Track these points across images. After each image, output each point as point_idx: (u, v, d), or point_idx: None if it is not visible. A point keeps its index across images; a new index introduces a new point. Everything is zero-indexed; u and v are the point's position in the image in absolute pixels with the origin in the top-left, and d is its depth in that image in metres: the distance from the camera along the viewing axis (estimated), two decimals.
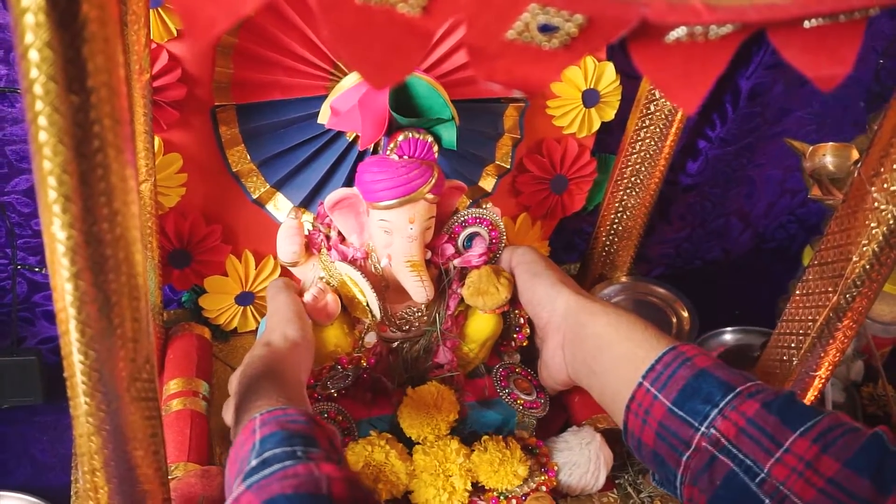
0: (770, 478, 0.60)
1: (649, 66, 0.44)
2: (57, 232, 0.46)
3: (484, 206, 0.91)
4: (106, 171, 0.45)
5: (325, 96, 0.93)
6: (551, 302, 0.84)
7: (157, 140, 0.88)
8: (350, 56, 0.37)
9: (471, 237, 0.91)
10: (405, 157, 0.82)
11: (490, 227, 0.91)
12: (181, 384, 0.91)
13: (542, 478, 0.87)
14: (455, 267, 0.90)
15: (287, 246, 0.88)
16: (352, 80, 0.87)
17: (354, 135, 0.95)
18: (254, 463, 0.58)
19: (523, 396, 0.89)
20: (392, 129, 0.82)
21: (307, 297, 0.84)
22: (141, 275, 0.50)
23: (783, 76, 1.18)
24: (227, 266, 0.99)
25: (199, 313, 1.03)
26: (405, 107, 0.82)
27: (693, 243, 1.41)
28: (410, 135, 0.81)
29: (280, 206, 0.98)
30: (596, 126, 1.06)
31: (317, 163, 0.95)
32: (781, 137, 1.22)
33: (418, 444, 0.86)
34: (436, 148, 0.83)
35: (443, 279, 0.90)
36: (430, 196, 0.82)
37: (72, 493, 0.86)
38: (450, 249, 0.90)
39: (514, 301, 0.90)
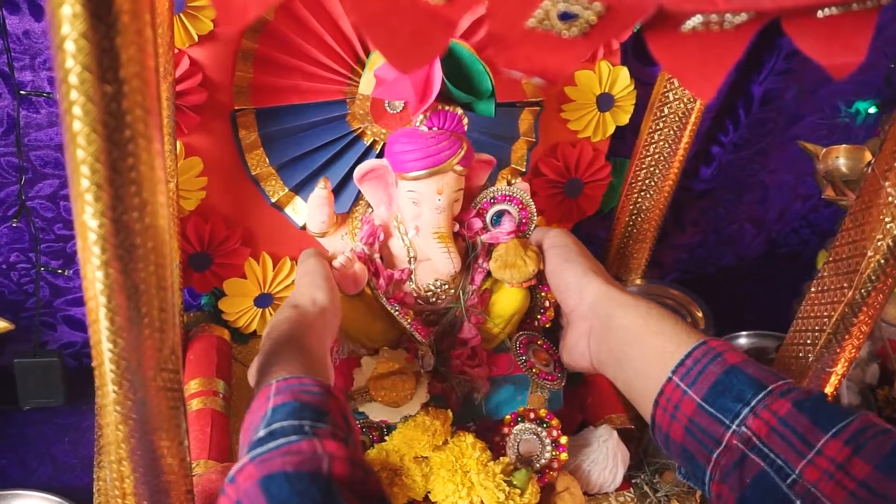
0: (801, 479, 0.60)
1: (665, 55, 0.45)
2: (88, 220, 0.47)
3: (514, 184, 0.90)
4: (136, 161, 0.46)
5: (343, 101, 0.95)
6: (580, 290, 0.82)
7: (178, 144, 0.90)
8: (376, 42, 0.38)
9: (499, 215, 0.91)
10: (435, 128, 0.82)
11: (520, 207, 0.90)
12: (201, 384, 0.92)
13: (554, 453, 0.86)
14: (482, 242, 0.90)
15: (317, 215, 0.88)
16: None
17: (372, 139, 0.96)
18: (261, 433, 0.58)
19: (539, 366, 0.89)
20: (443, 97, 0.81)
21: (336, 263, 0.84)
22: (169, 265, 0.52)
23: (795, 82, 1.19)
24: (245, 269, 1.01)
25: (219, 316, 1.04)
26: (451, 72, 0.81)
27: (707, 249, 1.41)
28: (440, 107, 0.81)
29: (298, 210, 0.99)
30: (610, 130, 1.07)
31: (335, 166, 0.97)
32: (794, 142, 1.23)
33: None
34: (465, 121, 0.83)
35: (469, 253, 0.90)
36: (458, 168, 0.82)
37: (94, 490, 0.87)
38: (478, 224, 0.90)
39: (540, 282, 0.89)
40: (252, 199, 0.98)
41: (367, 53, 0.93)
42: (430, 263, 0.88)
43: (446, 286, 0.90)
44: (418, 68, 0.40)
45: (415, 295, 0.90)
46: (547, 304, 0.92)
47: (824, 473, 0.59)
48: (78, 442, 1.07)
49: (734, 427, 0.64)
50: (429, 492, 0.85)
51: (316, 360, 0.72)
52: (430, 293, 0.90)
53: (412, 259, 0.88)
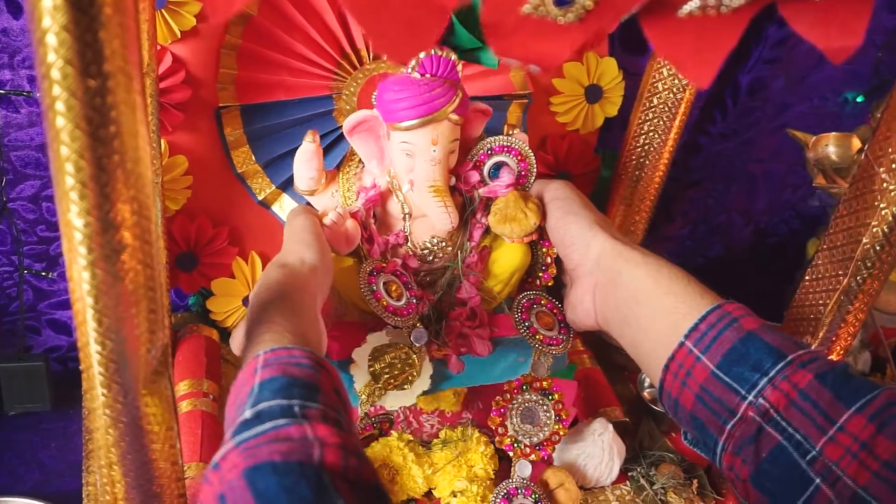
0: (822, 457, 0.57)
1: (662, 41, 0.45)
2: (73, 219, 0.45)
3: (512, 134, 0.86)
4: (123, 158, 0.45)
5: (330, 96, 0.93)
6: (585, 244, 0.78)
7: (162, 142, 0.89)
8: (370, 31, 0.37)
9: (497, 167, 0.86)
10: (427, 75, 0.77)
11: (519, 158, 0.86)
12: (190, 385, 0.91)
13: (557, 426, 0.85)
14: (480, 196, 0.86)
15: (304, 171, 0.83)
16: None
17: None
18: (248, 414, 0.54)
19: (543, 332, 0.84)
20: (446, 41, 0.77)
21: (326, 220, 0.81)
22: (157, 265, 0.51)
23: (783, 70, 1.19)
24: (234, 268, 0.99)
25: (206, 316, 1.03)
26: (459, 13, 0.77)
27: (695, 240, 1.41)
28: (433, 51, 0.76)
29: (285, 208, 0.97)
30: (599, 122, 1.06)
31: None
32: (782, 132, 1.23)
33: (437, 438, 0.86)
34: (459, 66, 0.79)
35: (467, 207, 0.86)
36: (454, 116, 0.78)
37: (84, 496, 0.86)
38: (475, 177, 0.85)
39: (541, 237, 0.86)
40: (238, 197, 0.96)
41: (353, 48, 0.92)
42: (426, 220, 0.84)
43: (443, 244, 0.86)
44: (413, 57, 0.39)
45: (411, 253, 0.86)
46: (549, 260, 0.87)
47: (847, 452, 0.56)
48: (65, 447, 1.05)
49: (750, 398, 0.61)
50: (432, 489, 0.84)
51: (307, 324, 0.68)
52: (426, 251, 0.86)
53: (407, 216, 0.84)
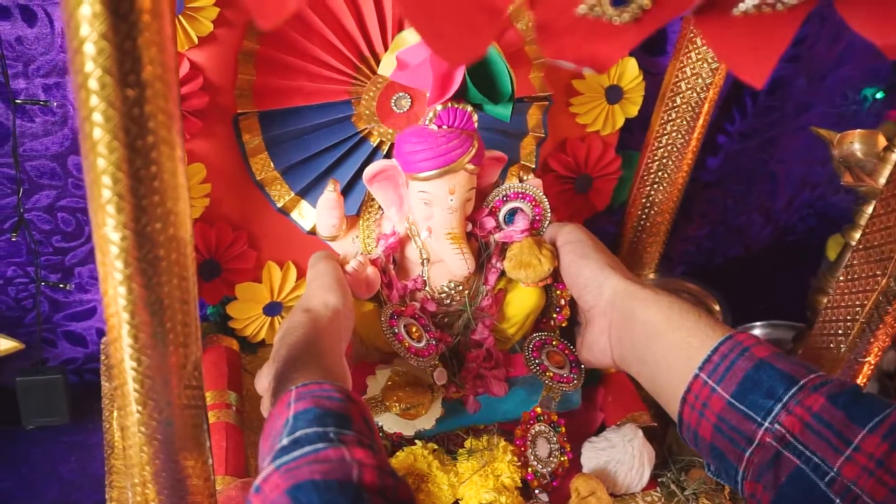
0: (840, 477, 0.58)
1: (716, 41, 0.44)
2: (110, 233, 0.44)
3: (526, 180, 0.88)
4: (160, 169, 0.43)
5: (348, 101, 0.92)
6: (598, 286, 0.81)
7: None
8: (423, 32, 0.36)
9: (512, 212, 0.89)
10: (444, 126, 0.80)
11: (533, 204, 0.88)
12: (213, 397, 0.89)
13: (563, 458, 0.87)
14: (496, 241, 0.88)
15: (326, 219, 0.86)
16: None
17: (379, 139, 0.94)
18: (285, 442, 0.56)
19: (553, 369, 0.87)
20: (459, 94, 0.79)
21: (348, 267, 0.83)
22: (191, 277, 0.49)
23: (804, 69, 1.17)
24: (262, 273, 0.98)
25: (225, 326, 1.01)
26: (473, 69, 0.79)
27: (714, 240, 1.39)
28: (450, 104, 0.79)
29: (305, 215, 0.96)
30: (619, 123, 1.05)
31: (341, 169, 0.94)
32: (802, 131, 1.21)
33: (462, 447, 0.85)
34: (475, 117, 0.81)
35: (483, 253, 0.88)
36: (470, 166, 0.80)
37: None
38: (490, 223, 0.88)
39: (555, 279, 0.88)
40: (257, 204, 0.95)
41: (372, 52, 0.91)
42: (444, 265, 0.86)
43: (460, 287, 0.88)
44: (467, 61, 0.38)
45: (429, 297, 0.88)
46: (563, 302, 0.90)
47: (863, 470, 0.58)
48: (84, 460, 1.04)
49: (766, 424, 0.63)
50: (458, 500, 0.83)
51: (333, 364, 0.71)
52: (444, 295, 0.88)
53: (425, 261, 0.86)
